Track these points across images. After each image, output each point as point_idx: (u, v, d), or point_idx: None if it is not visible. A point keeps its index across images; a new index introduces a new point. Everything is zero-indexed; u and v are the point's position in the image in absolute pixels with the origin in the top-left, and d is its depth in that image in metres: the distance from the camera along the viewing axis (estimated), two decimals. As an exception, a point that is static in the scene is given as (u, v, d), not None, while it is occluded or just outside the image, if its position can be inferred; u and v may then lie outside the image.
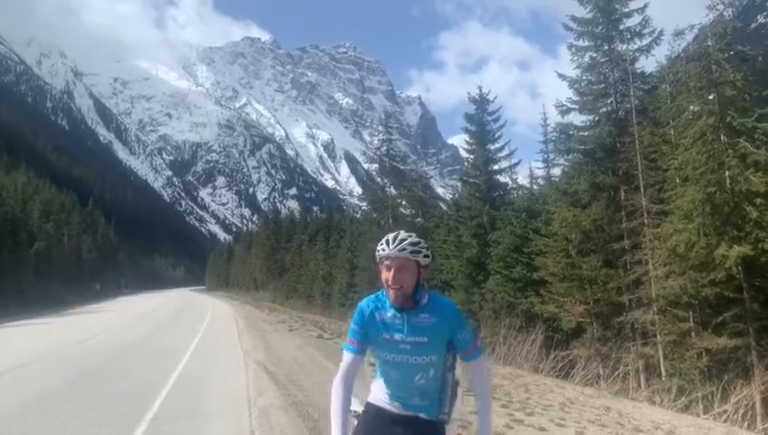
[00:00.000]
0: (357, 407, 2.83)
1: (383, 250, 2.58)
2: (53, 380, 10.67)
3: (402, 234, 2.61)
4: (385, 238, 2.63)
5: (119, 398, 8.96)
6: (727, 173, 11.21)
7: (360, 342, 2.68)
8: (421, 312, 2.60)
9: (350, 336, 2.72)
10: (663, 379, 12.40)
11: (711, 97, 11.60)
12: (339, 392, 2.66)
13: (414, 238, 2.60)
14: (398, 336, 2.60)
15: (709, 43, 11.74)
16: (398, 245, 2.56)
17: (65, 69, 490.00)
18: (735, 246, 10.74)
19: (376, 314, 2.66)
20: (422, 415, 2.65)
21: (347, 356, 2.70)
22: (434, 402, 2.66)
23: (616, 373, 13.14)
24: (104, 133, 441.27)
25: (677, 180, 12.46)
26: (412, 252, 2.56)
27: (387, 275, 2.57)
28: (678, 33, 13.44)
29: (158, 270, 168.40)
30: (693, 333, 11.99)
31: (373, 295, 2.76)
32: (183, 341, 16.68)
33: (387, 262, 2.57)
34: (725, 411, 10.32)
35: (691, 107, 12.16)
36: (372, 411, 2.75)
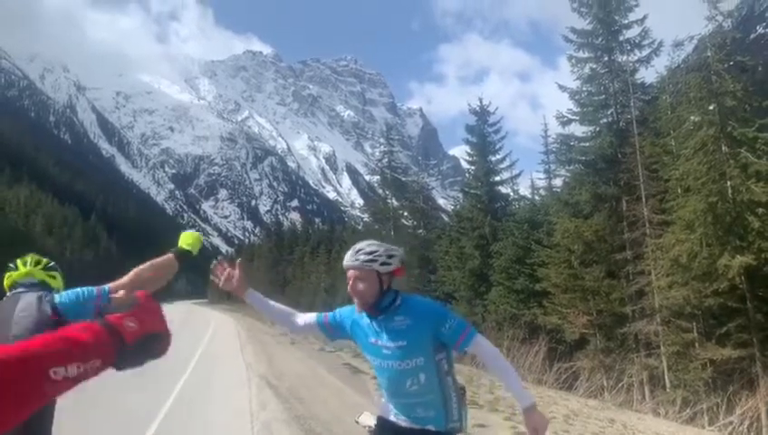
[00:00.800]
0: (369, 421, 2.81)
1: (345, 260, 2.63)
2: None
3: (361, 244, 2.62)
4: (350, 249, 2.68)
5: (122, 410, 8.93)
6: (729, 183, 11.21)
7: (329, 321, 2.83)
8: (396, 315, 2.57)
9: (329, 313, 2.84)
10: (667, 390, 12.33)
11: (711, 107, 11.62)
12: (274, 305, 3.03)
13: (372, 247, 2.58)
14: (378, 341, 2.59)
15: (709, 54, 11.79)
16: (353, 256, 2.58)
17: (68, 83, 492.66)
18: (738, 256, 10.71)
19: (360, 320, 2.69)
20: (430, 427, 2.58)
21: (312, 316, 2.92)
22: (439, 413, 2.58)
23: (620, 385, 13.06)
24: (107, 147, 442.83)
25: (679, 190, 12.47)
26: (366, 261, 2.54)
27: (348, 285, 2.61)
28: (678, 44, 13.51)
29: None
30: (697, 344, 11.93)
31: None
32: (185, 354, 16.63)
33: (348, 273, 2.60)
34: (731, 423, 10.25)
35: (692, 117, 12.18)
36: (385, 426, 2.72)
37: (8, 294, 2.66)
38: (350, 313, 2.75)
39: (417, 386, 2.56)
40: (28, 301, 2.45)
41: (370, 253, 2.57)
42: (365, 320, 2.65)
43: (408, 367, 2.54)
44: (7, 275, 2.74)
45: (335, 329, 2.82)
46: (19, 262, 2.76)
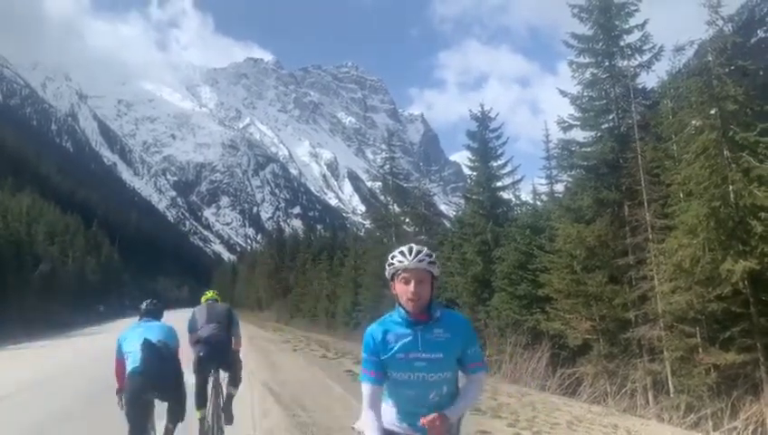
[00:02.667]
0: (358, 425, 2.79)
1: (400, 262, 2.57)
2: (56, 405, 10.62)
3: (415, 246, 2.63)
4: (398, 251, 2.63)
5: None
6: (731, 187, 11.19)
7: (377, 370, 2.65)
8: (435, 327, 2.60)
9: (365, 367, 2.68)
10: (671, 396, 12.28)
11: (713, 112, 11.61)
12: (372, 418, 2.62)
13: (427, 250, 2.62)
14: (412, 354, 2.58)
15: (710, 59, 11.79)
16: (416, 256, 2.56)
17: (70, 92, 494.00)
18: (741, 261, 10.68)
19: (388, 336, 2.63)
20: None
21: (367, 387, 2.65)
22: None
23: (623, 390, 13.01)
24: (108, 155, 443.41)
25: (681, 195, 12.45)
26: (429, 263, 2.58)
27: (404, 289, 2.57)
28: (679, 49, 13.48)
29: (163, 291, 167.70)
30: (700, 349, 11.88)
31: (377, 321, 2.73)
32: (186, 360, 16.56)
33: (405, 274, 2.57)
34: (735, 428, 10.20)
35: (693, 122, 12.17)
36: None
37: (206, 303, 7.34)
38: (378, 338, 2.65)
39: (438, 398, 2.62)
40: (222, 306, 7.42)
41: (429, 254, 2.62)
42: (401, 331, 2.62)
43: (437, 380, 2.60)
44: (208, 294, 7.65)
45: (383, 365, 2.67)
46: (208, 292, 7.74)
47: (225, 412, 7.14)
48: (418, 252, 2.58)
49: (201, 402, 6.81)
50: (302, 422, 8.54)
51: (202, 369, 6.77)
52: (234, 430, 8.16)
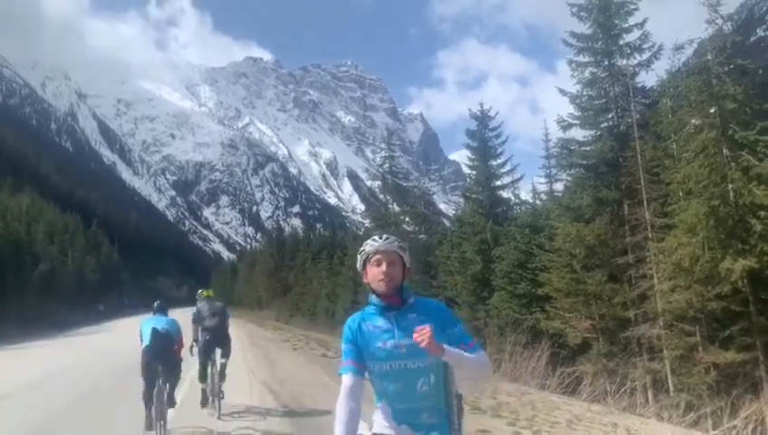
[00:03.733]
0: (365, 432, 2.68)
1: (372, 246, 2.64)
2: (56, 404, 10.62)
3: (384, 235, 2.71)
4: (371, 238, 2.71)
5: (128, 412, 8.91)
6: (730, 186, 11.20)
7: (355, 360, 2.59)
8: (409, 312, 2.60)
9: (344, 358, 2.63)
10: (671, 394, 12.29)
11: (712, 110, 11.62)
12: (343, 404, 2.49)
13: (397, 238, 2.71)
14: (390, 342, 2.55)
15: (709, 57, 11.80)
16: (384, 240, 2.64)
17: (69, 91, 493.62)
18: (740, 260, 10.70)
19: (363, 326, 2.63)
20: (434, 434, 2.55)
21: (346, 378, 2.57)
22: (443, 419, 2.57)
23: (623, 389, 13.01)
24: (108, 154, 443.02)
25: (681, 194, 12.46)
26: (399, 247, 2.64)
27: (376, 271, 2.61)
28: (678, 48, 13.50)
29: (162, 290, 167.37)
30: (700, 348, 11.90)
31: (355, 313, 2.75)
32: (186, 360, 16.58)
33: (377, 256, 2.62)
34: (735, 427, 10.19)
35: (692, 121, 12.18)
36: None
37: (204, 300, 9.87)
38: (354, 327, 2.65)
39: (427, 387, 2.56)
40: (218, 304, 10.03)
41: (397, 240, 2.68)
42: (377, 321, 2.62)
43: (421, 366, 2.53)
44: (204, 293, 10.15)
45: (361, 355, 2.61)
46: (204, 291, 10.23)
47: (221, 374, 9.48)
48: (386, 237, 2.67)
49: (203, 378, 9.45)
50: (301, 421, 8.54)
51: (207, 350, 9.43)
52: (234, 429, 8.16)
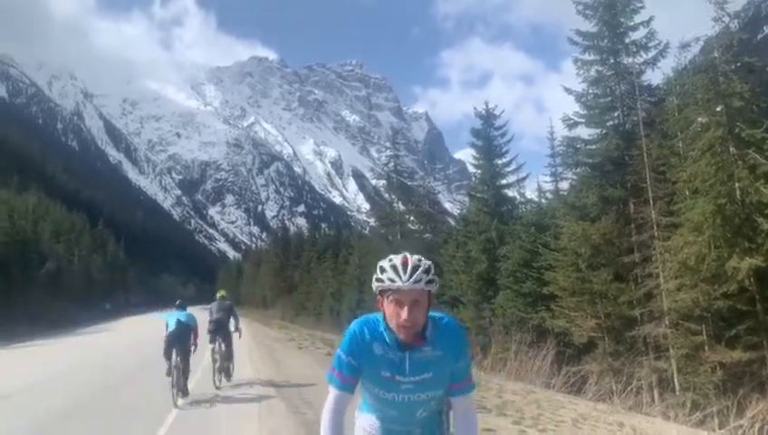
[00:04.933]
0: None
1: (392, 281, 2.13)
2: (63, 401, 10.67)
3: (412, 260, 2.17)
4: (390, 264, 2.18)
5: (130, 415, 8.95)
6: (737, 185, 11.16)
7: (351, 376, 2.28)
8: (424, 346, 2.23)
9: (336, 367, 2.29)
10: (677, 393, 12.25)
11: (719, 109, 11.57)
12: (327, 422, 2.28)
13: (425, 264, 2.17)
14: (398, 377, 2.24)
15: (716, 55, 11.75)
16: (411, 276, 2.11)
17: (75, 90, 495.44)
18: (747, 258, 10.65)
19: (375, 346, 2.25)
20: None
21: (335, 393, 2.30)
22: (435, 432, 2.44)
23: (629, 388, 12.98)
24: (114, 154, 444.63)
25: (687, 192, 12.41)
26: (427, 282, 2.14)
27: (396, 312, 2.14)
28: (684, 46, 13.46)
29: (168, 289, 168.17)
30: (706, 347, 11.86)
31: (366, 319, 2.35)
32: (193, 358, 16.65)
33: (397, 296, 2.13)
34: (741, 426, 10.15)
35: (699, 119, 12.13)
36: None
37: (217, 300, 12.87)
38: (363, 344, 2.28)
39: (426, 413, 2.37)
40: (227, 302, 12.93)
41: (427, 271, 2.16)
42: (385, 348, 2.26)
43: (425, 398, 2.30)
44: (219, 294, 13.12)
45: (358, 372, 2.31)
46: (219, 293, 13.24)
47: (225, 356, 12.44)
48: (414, 269, 2.13)
49: (213, 359, 12.23)
50: (307, 420, 8.55)
51: (212, 335, 12.39)
52: (240, 428, 8.19)
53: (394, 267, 2.15)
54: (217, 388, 11.67)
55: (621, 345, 14.49)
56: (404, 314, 2.12)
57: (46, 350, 24.33)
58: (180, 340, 10.39)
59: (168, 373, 10.10)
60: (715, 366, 11.50)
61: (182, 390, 10.28)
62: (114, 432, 8.20)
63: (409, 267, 2.13)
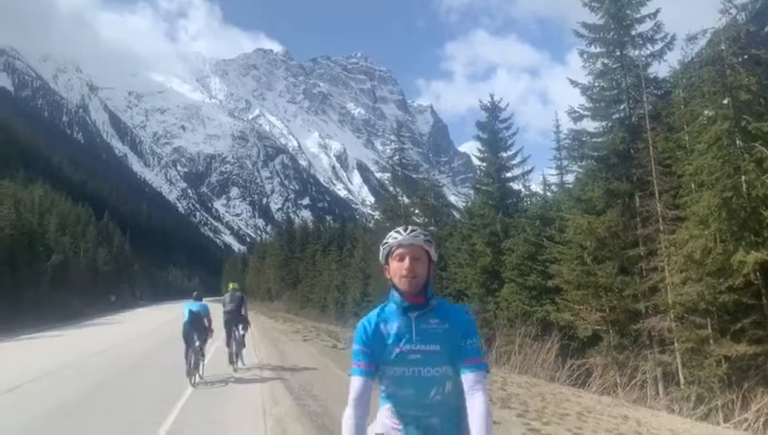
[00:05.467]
0: (369, 430, 2.50)
1: (395, 238, 2.42)
2: (70, 391, 10.74)
3: (409, 227, 2.50)
4: (394, 230, 2.50)
5: (136, 408, 9.01)
6: (743, 178, 11.11)
7: (367, 362, 2.42)
8: (431, 317, 2.40)
9: (355, 359, 2.45)
10: (681, 387, 12.25)
11: (725, 101, 11.51)
12: (350, 416, 2.35)
13: (424, 230, 2.51)
14: (407, 346, 2.37)
15: (722, 48, 11.68)
16: (411, 232, 2.43)
17: (81, 83, 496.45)
18: (753, 252, 10.62)
19: (381, 326, 2.44)
20: None
21: (356, 380, 2.41)
22: (453, 426, 2.43)
23: (633, 382, 13.00)
24: (119, 146, 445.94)
25: (693, 186, 12.37)
26: (426, 241, 2.43)
27: (399, 266, 2.40)
28: (691, 38, 13.36)
29: (174, 281, 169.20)
30: (711, 341, 11.84)
31: (373, 310, 2.54)
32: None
33: (400, 250, 2.42)
34: (746, 420, 10.16)
35: (705, 112, 12.08)
36: None
37: (228, 292, 14.54)
38: (370, 329, 2.46)
39: (441, 396, 2.39)
40: (237, 294, 14.40)
41: (426, 234, 2.47)
42: (395, 322, 2.43)
43: (436, 375, 2.37)
44: (230, 286, 14.74)
45: (374, 357, 2.44)
46: (231, 285, 14.80)
47: (241, 342, 13.80)
48: (413, 230, 2.45)
49: (228, 343, 13.62)
50: (311, 411, 8.60)
51: (227, 325, 13.67)
52: (245, 417, 8.23)
53: (397, 230, 2.50)
54: (235, 370, 13.14)
55: (626, 339, 14.49)
56: (405, 263, 2.39)
57: (57, 341, 24.46)
58: (194, 327, 11.87)
59: (186, 356, 11.49)
60: (719, 360, 11.49)
61: (197, 370, 11.68)
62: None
63: (410, 228, 2.49)
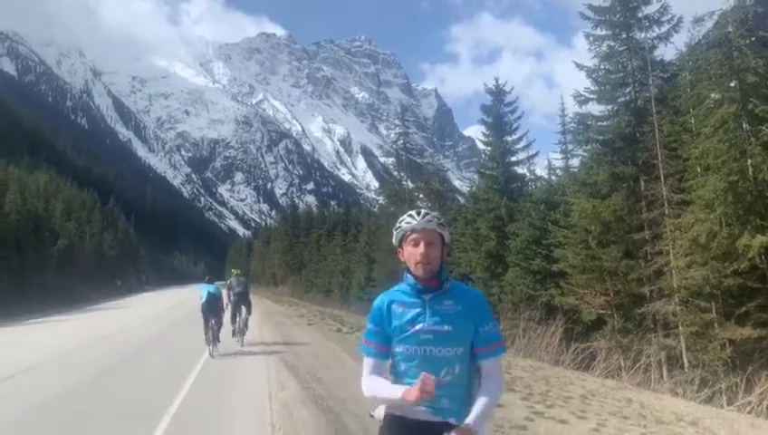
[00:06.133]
0: (377, 413, 2.58)
1: (408, 223, 2.45)
2: (77, 375, 10.83)
3: (425, 209, 2.53)
4: (407, 214, 2.51)
5: (143, 391, 9.08)
6: (750, 161, 11.04)
7: (380, 343, 2.48)
8: (445, 298, 2.44)
9: (368, 338, 2.52)
10: (686, 370, 12.27)
11: (732, 84, 11.41)
12: (370, 380, 2.47)
13: (436, 213, 2.54)
14: (419, 326, 2.40)
15: (730, 30, 11.55)
16: (425, 217, 2.45)
17: (84, 68, 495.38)
18: (759, 236, 10.58)
19: (394, 307, 2.47)
20: (451, 420, 2.40)
21: (368, 360, 2.50)
22: (462, 406, 2.42)
23: (637, 365, 13.03)
24: (123, 131, 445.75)
25: (699, 169, 12.30)
26: (439, 224, 2.46)
27: (413, 251, 2.43)
28: (698, 20, 13.20)
29: (179, 266, 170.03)
30: (716, 324, 11.84)
31: (387, 291, 2.58)
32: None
33: (414, 235, 2.44)
34: (749, 403, 10.19)
35: (712, 95, 11.98)
36: (396, 424, 2.46)
37: (234, 277, 16.36)
38: (384, 308, 2.51)
39: (451, 376, 2.41)
40: (243, 279, 16.53)
41: (439, 217, 2.50)
42: (409, 301, 2.46)
43: (447, 355, 2.40)
44: (234, 272, 16.87)
45: (387, 338, 2.50)
46: (233, 270, 17.17)
47: (245, 323, 15.64)
48: (427, 213, 2.48)
49: (233, 321, 15.58)
50: (317, 395, 8.66)
51: (235, 306, 15.63)
52: (251, 402, 8.30)
53: (410, 214, 2.50)
54: (242, 346, 14.83)
55: (630, 322, 14.50)
56: (420, 248, 2.42)
57: (63, 326, 24.64)
58: (211, 306, 13.90)
59: (205, 331, 13.66)
60: (724, 343, 11.49)
61: (215, 342, 13.60)
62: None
63: (423, 212, 2.50)
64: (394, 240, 2.53)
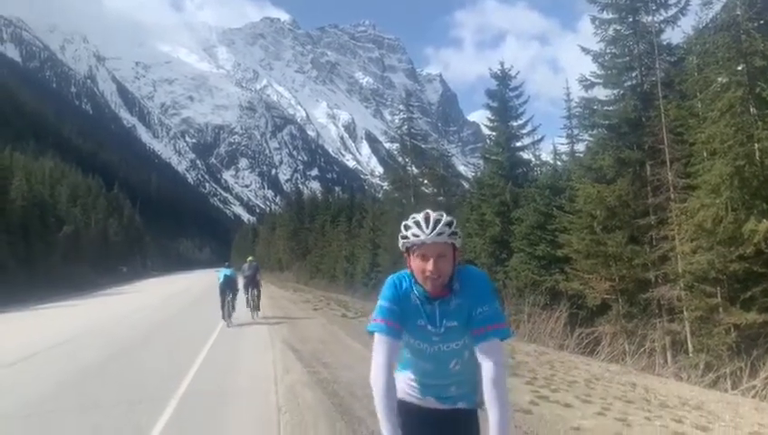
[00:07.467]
0: None
1: (416, 236, 2.20)
2: (86, 359, 10.92)
3: (433, 215, 2.25)
4: (413, 220, 2.26)
5: (150, 375, 9.15)
6: (756, 146, 10.97)
7: (395, 320, 2.27)
8: (453, 299, 2.29)
9: (381, 315, 2.29)
10: (690, 355, 12.29)
11: (740, 68, 11.31)
12: (380, 378, 2.22)
13: (447, 218, 2.25)
14: (430, 327, 2.29)
15: (738, 13, 11.43)
16: (434, 229, 2.19)
17: (88, 54, 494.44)
18: (765, 221, 10.55)
19: (412, 295, 2.31)
20: (461, 405, 2.41)
21: (383, 340, 2.26)
22: (472, 389, 2.41)
23: (642, 350, 13.04)
24: (127, 117, 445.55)
25: (705, 154, 12.23)
26: (450, 235, 2.21)
27: (422, 266, 2.21)
28: (706, 3, 13.06)
29: (184, 252, 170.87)
30: (721, 309, 11.83)
31: (401, 274, 2.39)
32: (211, 321, 17.01)
33: (422, 250, 2.20)
34: (754, 387, 10.20)
35: (719, 79, 11.88)
36: (405, 411, 2.38)
37: (246, 262, 20.17)
38: (402, 290, 2.33)
39: (459, 365, 2.37)
40: (254, 264, 19.97)
41: (450, 224, 2.23)
42: (420, 298, 2.31)
43: (455, 348, 2.33)
44: (248, 259, 20.47)
45: (403, 318, 2.31)
46: (249, 258, 20.70)
47: (257, 301, 18.77)
48: (437, 222, 2.20)
49: (245, 292, 18.75)
50: (322, 379, 8.71)
51: (246, 287, 18.75)
52: (256, 386, 8.36)
53: (417, 223, 2.23)
54: (253, 319, 17.89)
55: (635, 307, 14.51)
56: (429, 265, 2.19)
57: (70, 311, 24.81)
58: (228, 286, 16.85)
59: (222, 306, 16.62)
60: (729, 328, 11.49)
61: (230, 316, 16.66)
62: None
63: (431, 221, 2.21)
64: (400, 245, 2.31)
